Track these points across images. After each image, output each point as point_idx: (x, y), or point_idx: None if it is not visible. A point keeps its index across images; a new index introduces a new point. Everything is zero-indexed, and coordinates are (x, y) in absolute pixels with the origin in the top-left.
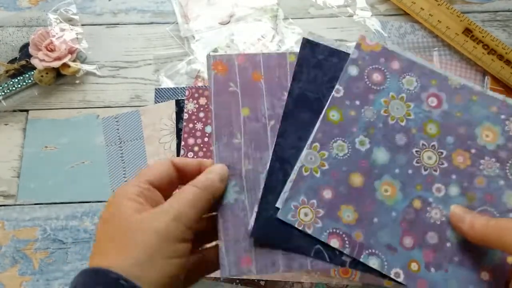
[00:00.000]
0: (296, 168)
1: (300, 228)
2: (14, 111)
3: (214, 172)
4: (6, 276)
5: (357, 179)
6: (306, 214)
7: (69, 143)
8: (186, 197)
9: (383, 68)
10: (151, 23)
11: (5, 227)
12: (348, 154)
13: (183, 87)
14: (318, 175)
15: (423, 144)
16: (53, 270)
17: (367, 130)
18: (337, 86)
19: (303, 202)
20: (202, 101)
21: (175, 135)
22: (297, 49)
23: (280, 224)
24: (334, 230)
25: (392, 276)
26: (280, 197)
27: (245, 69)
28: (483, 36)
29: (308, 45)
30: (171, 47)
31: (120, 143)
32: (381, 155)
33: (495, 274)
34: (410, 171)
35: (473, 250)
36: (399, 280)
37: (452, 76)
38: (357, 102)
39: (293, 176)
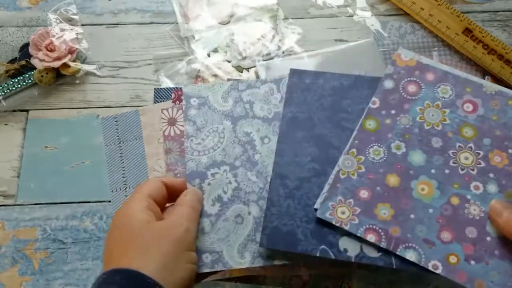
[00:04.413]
0: (334, 172)
1: (337, 225)
2: (14, 111)
3: (194, 194)
4: (6, 276)
5: (393, 179)
6: (343, 212)
7: (69, 143)
8: (187, 214)
9: (418, 80)
10: (151, 23)
11: (5, 227)
12: (384, 158)
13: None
14: (355, 177)
15: (459, 146)
16: (53, 270)
17: (402, 136)
18: (373, 98)
19: (340, 202)
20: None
21: None
22: (297, 49)
23: (285, 232)
24: (371, 226)
25: (430, 268)
26: (317, 200)
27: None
28: (483, 36)
29: (295, 74)
30: (171, 47)
31: (119, 143)
32: (417, 157)
33: None
34: (447, 171)
35: None
36: (438, 272)
37: (487, 84)
38: (393, 111)
39: (330, 179)
